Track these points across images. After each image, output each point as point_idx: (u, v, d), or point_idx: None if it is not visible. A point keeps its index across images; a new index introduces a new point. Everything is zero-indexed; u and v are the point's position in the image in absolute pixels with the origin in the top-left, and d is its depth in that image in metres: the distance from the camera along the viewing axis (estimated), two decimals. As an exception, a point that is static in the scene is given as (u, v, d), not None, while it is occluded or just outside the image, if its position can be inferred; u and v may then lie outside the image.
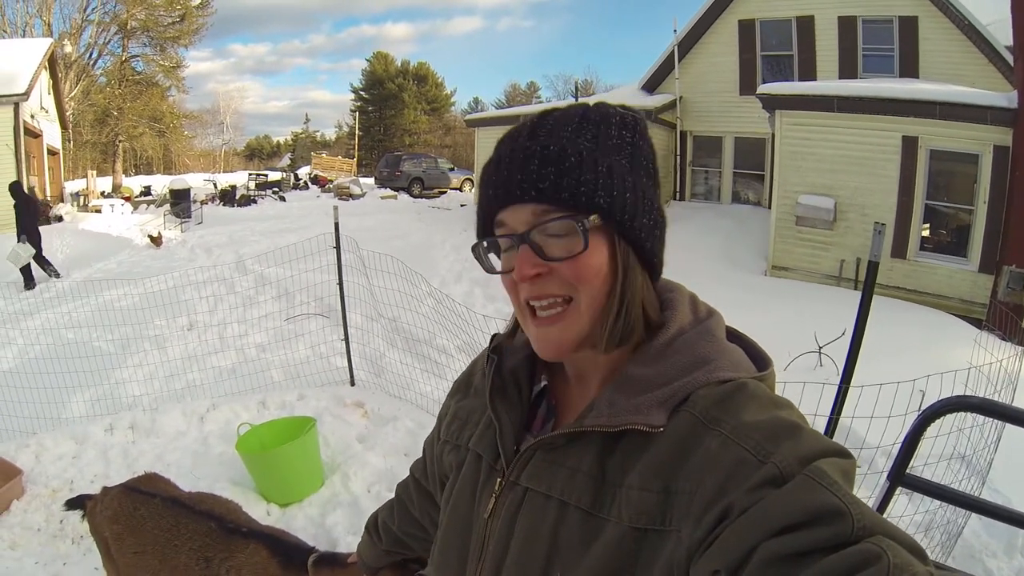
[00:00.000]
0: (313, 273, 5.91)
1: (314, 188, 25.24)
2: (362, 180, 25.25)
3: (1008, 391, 3.12)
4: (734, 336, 0.77)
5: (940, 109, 8.51)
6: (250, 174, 28.08)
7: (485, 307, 7.21)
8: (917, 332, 6.36)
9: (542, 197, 0.68)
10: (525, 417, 0.81)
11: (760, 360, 0.73)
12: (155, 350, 6.10)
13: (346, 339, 5.26)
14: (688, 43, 13.75)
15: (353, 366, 5.28)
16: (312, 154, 36.20)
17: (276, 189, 22.92)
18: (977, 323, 6.97)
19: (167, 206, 15.82)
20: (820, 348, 5.17)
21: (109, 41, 28.36)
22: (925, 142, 8.76)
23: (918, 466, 1.92)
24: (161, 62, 30.16)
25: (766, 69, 13.02)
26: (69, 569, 2.96)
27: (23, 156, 13.94)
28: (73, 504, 2.21)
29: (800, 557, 0.50)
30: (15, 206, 9.64)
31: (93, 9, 27.09)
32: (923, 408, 1.66)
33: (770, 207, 10.77)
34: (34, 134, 15.91)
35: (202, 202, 17.24)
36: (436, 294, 5.61)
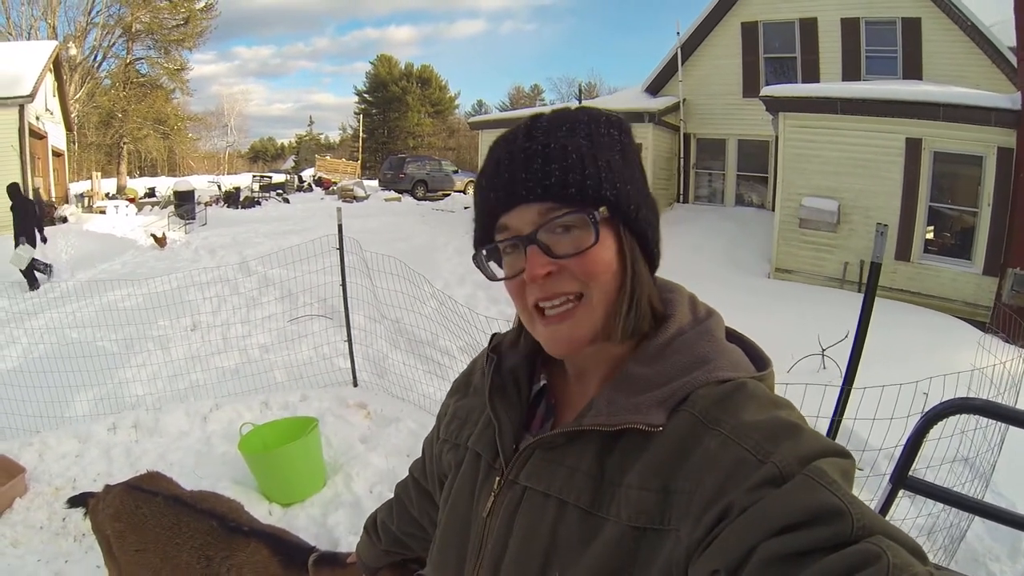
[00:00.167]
0: (316, 274, 5.91)
1: (318, 190, 25.25)
2: (366, 182, 25.24)
3: (1012, 393, 3.12)
4: (733, 336, 0.77)
5: (944, 111, 8.49)
6: (254, 176, 28.10)
7: (488, 309, 7.20)
8: (921, 335, 6.34)
9: (548, 195, 0.68)
10: (524, 416, 0.81)
11: (759, 360, 0.73)
12: (159, 350, 6.12)
13: (349, 340, 5.27)
14: (691, 46, 13.74)
15: (356, 367, 5.29)
16: (316, 156, 36.25)
17: (280, 191, 22.96)
18: (981, 326, 6.96)
19: (171, 208, 15.86)
20: (823, 351, 5.16)
21: (113, 44, 28.45)
22: (929, 144, 8.74)
23: (921, 469, 1.91)
24: (165, 65, 30.22)
25: (769, 71, 13.00)
26: (71, 567, 2.97)
27: (28, 157, 13.99)
28: (75, 502, 2.22)
29: (800, 557, 0.50)
30: (12, 208, 9.67)
31: (98, 12, 27.20)
32: (926, 410, 1.65)
33: (773, 210, 10.75)
34: (39, 136, 15.97)
35: (206, 204, 17.27)
36: (439, 296, 5.61)
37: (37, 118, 15.50)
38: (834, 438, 2.83)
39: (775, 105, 9.88)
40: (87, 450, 4.08)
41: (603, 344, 0.72)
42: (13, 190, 9.73)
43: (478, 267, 0.77)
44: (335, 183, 25.21)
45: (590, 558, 0.64)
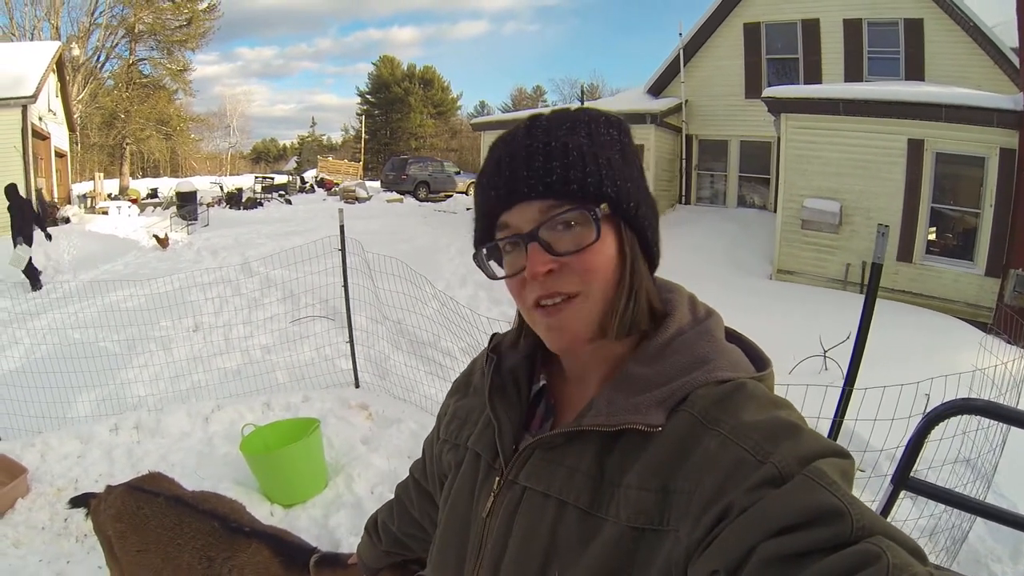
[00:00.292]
0: (318, 275, 5.92)
1: (320, 191, 25.29)
2: (368, 183, 25.32)
3: (1013, 394, 3.11)
4: (733, 337, 0.77)
5: (946, 112, 8.47)
6: (256, 177, 28.18)
7: (490, 310, 7.20)
8: (922, 336, 6.34)
9: (550, 192, 0.68)
10: (524, 416, 0.81)
11: (759, 360, 0.73)
12: (161, 351, 6.13)
13: (351, 341, 5.27)
14: (693, 47, 13.73)
15: (358, 368, 5.29)
16: (318, 157, 36.36)
17: (282, 192, 23.00)
18: (983, 327, 6.94)
19: (173, 208, 15.89)
20: (825, 352, 5.16)
21: (116, 44, 28.56)
22: (931, 145, 8.73)
23: (922, 470, 1.91)
24: (168, 65, 30.30)
25: (771, 72, 12.99)
26: (73, 567, 2.97)
27: (31, 158, 14.02)
28: (77, 502, 2.22)
29: (799, 557, 0.50)
30: (9, 208, 9.68)
31: (101, 13, 27.29)
32: (927, 411, 1.65)
33: (775, 211, 10.74)
34: (42, 136, 16.02)
35: (208, 205, 17.30)
36: (441, 297, 5.61)
37: (40, 119, 15.54)
38: (835, 439, 2.82)
39: (777, 106, 9.87)
40: (89, 451, 4.09)
41: (602, 342, 0.72)
42: (11, 191, 9.74)
43: (479, 266, 0.77)
44: (337, 184, 25.26)
45: (589, 558, 0.64)
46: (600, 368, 0.75)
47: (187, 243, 12.71)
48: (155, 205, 19.21)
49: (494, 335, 0.90)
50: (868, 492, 2.87)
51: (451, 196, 21.77)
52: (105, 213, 16.77)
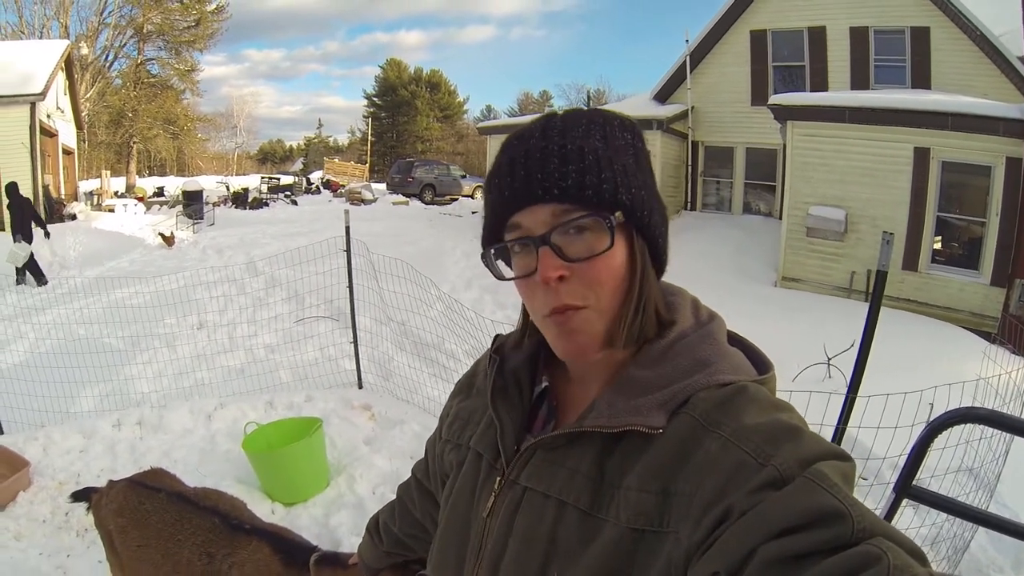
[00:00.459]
0: (323, 276, 5.94)
1: (326, 193, 25.35)
2: (374, 186, 25.35)
3: (1017, 404, 3.10)
4: (735, 340, 0.77)
5: (952, 120, 8.45)
6: (262, 177, 28.23)
7: (495, 313, 7.21)
8: (927, 345, 6.32)
9: (565, 196, 0.67)
10: (526, 417, 0.81)
11: (761, 364, 0.73)
12: (165, 348, 6.14)
13: (355, 342, 5.28)
14: (700, 53, 13.74)
15: (361, 369, 5.30)
16: (324, 159, 36.43)
17: (288, 193, 23.07)
18: (988, 336, 6.91)
19: (180, 207, 15.96)
20: (829, 360, 5.15)
21: (125, 44, 28.75)
22: (937, 153, 8.71)
23: (925, 478, 1.91)
24: (176, 65, 30.48)
25: (778, 79, 12.99)
26: (73, 561, 2.98)
27: (38, 155, 14.09)
28: (79, 497, 2.22)
29: (800, 559, 0.50)
30: (8, 206, 9.73)
31: (110, 12, 27.48)
32: (931, 420, 1.65)
33: (781, 218, 10.73)
34: (50, 134, 16.08)
35: (214, 204, 17.37)
36: (446, 299, 5.62)
37: (48, 116, 15.62)
38: (838, 445, 2.81)
39: (783, 113, 9.86)
40: (91, 445, 4.10)
41: (610, 350, 0.72)
42: (11, 189, 9.78)
43: (486, 265, 0.76)
44: (343, 186, 25.31)
45: (589, 559, 0.64)
46: (602, 370, 0.75)
47: (193, 242, 12.76)
48: (161, 204, 19.28)
49: (497, 336, 0.90)
50: (871, 500, 2.86)
51: (457, 199, 21.83)
52: (111, 211, 16.85)
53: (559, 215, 0.68)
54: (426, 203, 21.35)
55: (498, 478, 0.77)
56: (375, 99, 49.63)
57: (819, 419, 2.78)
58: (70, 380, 4.84)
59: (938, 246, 9.12)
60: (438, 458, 0.96)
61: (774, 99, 10.14)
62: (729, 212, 13.93)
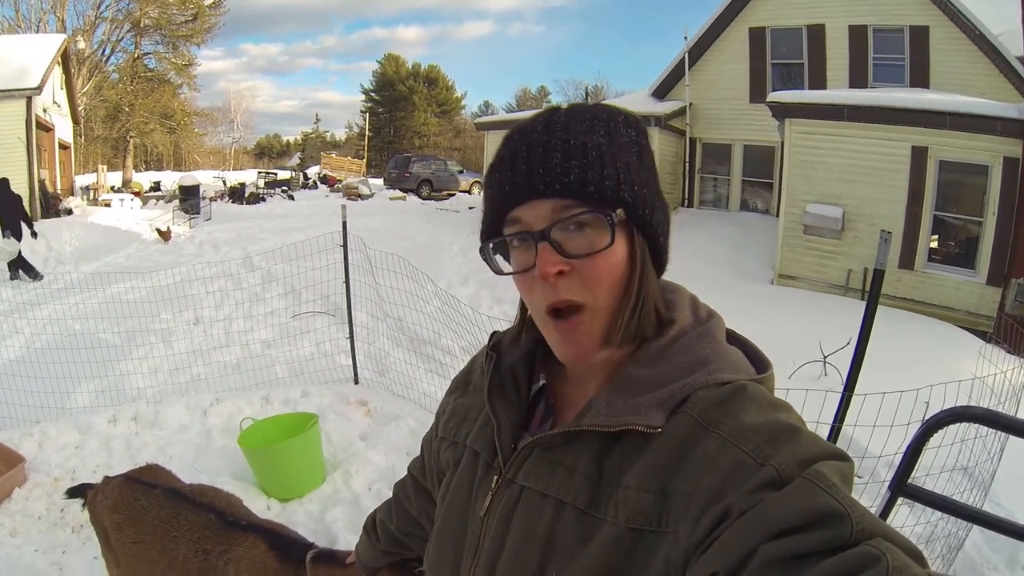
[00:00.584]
0: (320, 271, 5.92)
1: (323, 188, 25.33)
2: (371, 181, 25.37)
3: (1012, 403, 3.11)
4: (734, 338, 0.77)
5: (950, 119, 8.46)
6: (259, 172, 28.14)
7: (492, 309, 7.21)
8: (923, 343, 6.33)
9: (567, 191, 0.67)
10: (523, 415, 0.80)
11: (760, 362, 0.73)
12: (160, 343, 6.13)
13: (351, 337, 5.28)
14: (699, 50, 13.73)
15: (357, 364, 5.29)
16: (322, 154, 36.35)
17: (285, 188, 23.05)
18: (984, 336, 6.93)
19: (176, 202, 15.92)
20: (825, 358, 5.15)
21: (122, 38, 28.61)
22: (935, 152, 8.72)
23: (920, 477, 1.91)
24: (173, 60, 30.34)
25: (776, 77, 12.99)
26: (68, 557, 2.98)
27: (35, 149, 14.03)
28: (74, 493, 2.22)
29: (799, 560, 0.50)
30: None
31: (107, 6, 27.32)
32: (926, 418, 1.65)
33: (778, 215, 10.74)
34: (46, 128, 16.02)
35: (211, 199, 17.32)
36: (442, 295, 5.61)
37: (44, 110, 15.55)
38: (834, 444, 2.82)
39: (781, 111, 9.86)
40: (87, 441, 4.09)
41: (608, 350, 0.72)
42: (2, 185, 9.73)
43: (484, 259, 0.76)
44: (340, 181, 25.30)
45: (587, 558, 0.64)
46: (601, 369, 0.75)
47: (189, 237, 12.73)
48: (158, 198, 19.25)
49: (494, 333, 0.90)
50: (866, 498, 2.87)
51: (454, 195, 21.82)
52: (108, 205, 16.78)
53: (560, 210, 0.67)
54: (423, 198, 21.35)
55: (495, 477, 0.76)
56: (373, 94, 49.60)
57: (815, 417, 2.79)
58: (65, 376, 4.83)
59: (935, 245, 9.14)
60: (434, 455, 0.96)
61: (772, 97, 10.14)
62: (726, 209, 13.94)
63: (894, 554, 0.48)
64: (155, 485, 1.97)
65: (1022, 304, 7.02)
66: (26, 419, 4.37)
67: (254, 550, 1.69)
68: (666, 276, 0.78)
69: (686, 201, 14.35)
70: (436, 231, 12.80)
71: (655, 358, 0.70)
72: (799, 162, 9.80)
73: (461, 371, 0.98)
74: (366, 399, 4.84)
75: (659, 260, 0.74)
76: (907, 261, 8.99)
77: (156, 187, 22.94)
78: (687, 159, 14.18)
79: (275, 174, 27.05)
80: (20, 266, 9.21)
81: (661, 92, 14.36)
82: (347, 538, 3.12)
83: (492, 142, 15.63)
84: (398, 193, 21.28)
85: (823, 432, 2.86)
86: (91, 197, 18.31)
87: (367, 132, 42.57)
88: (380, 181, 25.59)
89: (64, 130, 18.45)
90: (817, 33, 12.30)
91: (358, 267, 5.50)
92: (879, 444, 2.68)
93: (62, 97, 18.33)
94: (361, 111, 49.51)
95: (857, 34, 11.82)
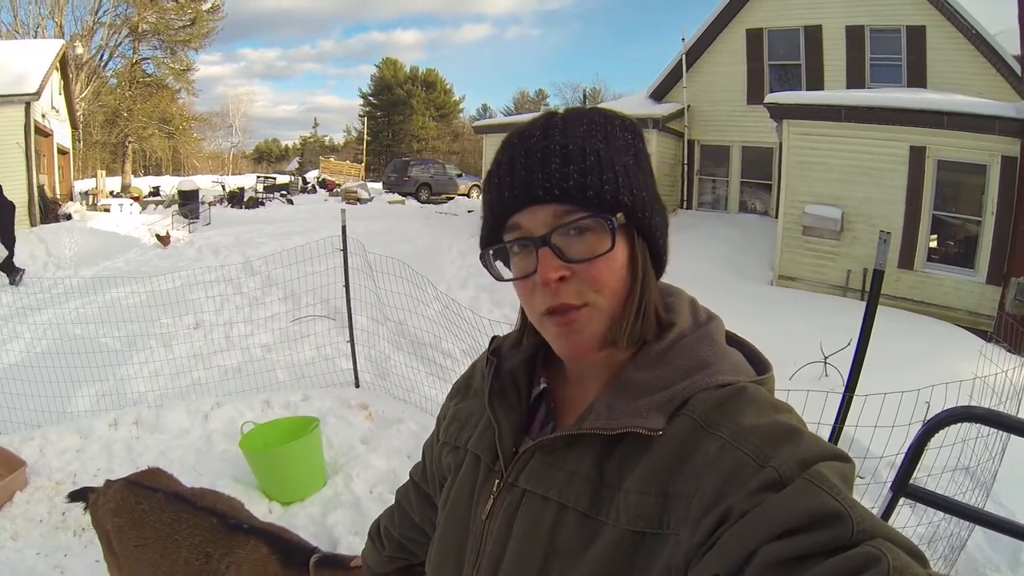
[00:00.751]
0: (320, 275, 5.93)
1: (322, 192, 25.34)
2: (370, 185, 25.37)
3: (1014, 403, 3.11)
4: (733, 340, 0.77)
5: (948, 119, 8.47)
6: (258, 177, 28.20)
7: (491, 312, 7.20)
8: (923, 343, 6.34)
9: (566, 197, 0.67)
10: (524, 419, 0.80)
11: (759, 364, 0.73)
12: (161, 348, 6.13)
13: (351, 341, 5.27)
14: (696, 52, 13.75)
15: (358, 368, 5.29)
16: (320, 158, 36.38)
17: (284, 192, 23.03)
18: (984, 335, 6.93)
19: (175, 207, 15.91)
20: (825, 358, 5.15)
21: (120, 43, 28.59)
22: (933, 152, 8.72)
23: (922, 477, 1.91)
24: (171, 65, 30.33)
25: (774, 78, 13.01)
26: (70, 561, 2.98)
27: (33, 155, 14.02)
28: (76, 496, 2.22)
29: (800, 561, 0.50)
30: None
31: (105, 12, 27.32)
32: (928, 418, 1.65)
33: (777, 217, 10.74)
34: (44, 133, 16.00)
35: (210, 203, 17.31)
36: (442, 298, 5.61)
37: (43, 116, 15.53)
38: (835, 445, 2.82)
39: (779, 112, 9.87)
40: (88, 445, 4.09)
41: (610, 350, 0.72)
42: None
43: (485, 266, 0.76)
44: (339, 185, 25.29)
45: (588, 562, 0.64)
46: (601, 372, 0.75)
47: (188, 241, 12.72)
48: (157, 203, 19.24)
49: (494, 338, 0.90)
50: (868, 499, 2.87)
51: (452, 198, 21.82)
52: (107, 210, 16.75)
53: (560, 216, 0.67)
54: (422, 202, 21.37)
55: (497, 480, 0.76)
56: (371, 98, 49.62)
57: (816, 418, 2.79)
58: (66, 380, 4.83)
59: (934, 244, 9.14)
60: (436, 460, 0.96)
61: (770, 98, 10.15)
62: (725, 211, 13.95)
63: (895, 554, 0.48)
64: (157, 489, 1.97)
65: (1022, 303, 7.02)
66: (27, 423, 4.37)
67: (256, 553, 1.68)
68: (665, 278, 0.78)
69: (685, 203, 14.35)
70: (435, 235, 12.80)
71: (655, 361, 0.70)
72: (797, 163, 9.80)
73: (462, 376, 0.98)
74: (367, 403, 4.83)
75: (658, 263, 0.74)
76: (906, 261, 8.99)
77: (155, 192, 22.91)
78: (685, 161, 14.20)
79: (274, 178, 27.11)
80: (4, 269, 9.17)
81: (659, 94, 14.38)
82: (348, 541, 3.12)
83: (490, 145, 15.65)
84: (397, 197, 21.29)
85: (824, 433, 2.86)
86: (90, 202, 18.27)
87: (365, 136, 42.63)
88: (379, 185, 25.61)
89: (63, 135, 18.42)
90: (814, 34, 12.32)
91: (358, 271, 5.50)
92: (880, 445, 2.68)
93: (60, 102, 18.31)
94: (359, 115, 49.58)
95: (854, 34, 11.84)
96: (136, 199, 19.94)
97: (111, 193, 21.67)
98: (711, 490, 0.58)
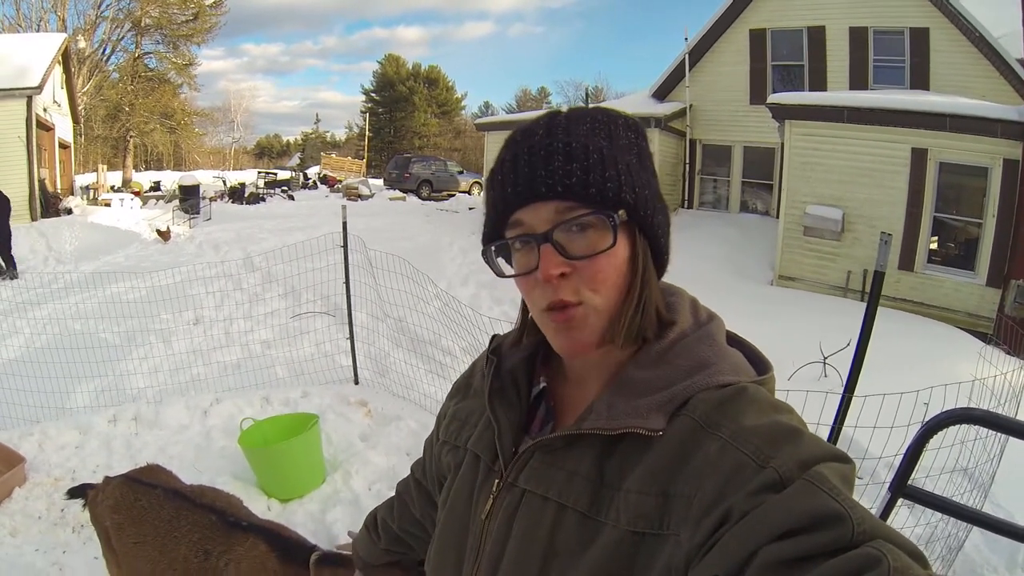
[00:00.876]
0: (320, 272, 5.92)
1: (323, 188, 25.30)
2: (371, 181, 25.34)
3: (1012, 405, 3.11)
4: (734, 340, 0.77)
5: (950, 121, 8.47)
6: (259, 172, 28.10)
7: (491, 309, 7.21)
8: (923, 344, 6.33)
9: (568, 194, 0.67)
10: (524, 418, 0.80)
11: (760, 364, 0.73)
12: (160, 343, 6.13)
13: (351, 338, 5.27)
14: (699, 51, 13.73)
15: (358, 365, 5.29)
16: (322, 154, 36.34)
17: (285, 188, 23.02)
18: (983, 337, 6.93)
19: (176, 202, 15.91)
20: (825, 359, 5.15)
21: (122, 38, 28.57)
22: (934, 154, 8.72)
23: (920, 478, 1.91)
24: (173, 59, 30.32)
25: (776, 79, 12.99)
26: (69, 557, 2.97)
27: (35, 148, 14.02)
28: (75, 493, 2.22)
29: (800, 562, 0.50)
30: None
31: (107, 6, 27.31)
32: (926, 420, 1.65)
33: (778, 217, 10.74)
34: (46, 127, 16.01)
35: (211, 199, 17.30)
36: (443, 295, 5.61)
37: (44, 110, 15.54)
38: (834, 445, 2.82)
39: (782, 112, 9.86)
40: (87, 441, 4.08)
41: (609, 348, 0.72)
42: None
43: (487, 262, 0.76)
44: (340, 181, 25.27)
45: (588, 562, 0.64)
46: (601, 371, 0.75)
47: (189, 237, 12.71)
48: (158, 198, 19.21)
49: (494, 337, 0.90)
50: (866, 499, 2.86)
51: (454, 195, 21.78)
52: (108, 205, 16.75)
53: (562, 213, 0.68)
54: (423, 199, 21.34)
55: (496, 480, 0.77)
56: (373, 94, 49.62)
57: (815, 418, 2.79)
58: (65, 376, 4.83)
59: (934, 246, 9.14)
60: (435, 459, 0.96)
61: (772, 98, 10.14)
62: (726, 211, 13.94)
63: (895, 555, 0.48)
64: (156, 485, 1.97)
65: (1021, 305, 7.01)
66: (26, 419, 4.37)
67: (255, 550, 1.69)
68: (666, 278, 0.78)
69: (686, 202, 14.34)
70: (436, 232, 12.79)
71: (656, 360, 0.70)
72: (799, 164, 9.80)
73: (462, 375, 0.98)
74: (366, 400, 4.83)
75: (660, 261, 0.75)
76: (907, 262, 8.99)
77: (156, 187, 22.90)
78: (687, 160, 14.18)
79: (275, 174, 27.02)
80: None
81: (661, 93, 14.36)
82: (347, 538, 3.12)
83: (492, 143, 15.64)
84: (398, 194, 21.27)
85: (823, 433, 2.86)
86: (91, 197, 18.28)
87: (367, 132, 42.56)
88: (380, 181, 25.58)
89: (64, 129, 18.44)
90: (817, 35, 12.30)
91: (358, 267, 5.50)
92: (879, 445, 2.68)
93: (62, 96, 18.33)
94: (361, 111, 49.57)
95: (857, 36, 11.82)
96: (137, 194, 19.90)
97: (112, 188, 21.68)
98: (711, 491, 0.58)
